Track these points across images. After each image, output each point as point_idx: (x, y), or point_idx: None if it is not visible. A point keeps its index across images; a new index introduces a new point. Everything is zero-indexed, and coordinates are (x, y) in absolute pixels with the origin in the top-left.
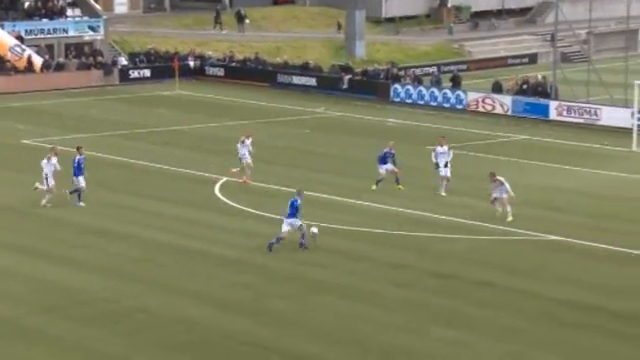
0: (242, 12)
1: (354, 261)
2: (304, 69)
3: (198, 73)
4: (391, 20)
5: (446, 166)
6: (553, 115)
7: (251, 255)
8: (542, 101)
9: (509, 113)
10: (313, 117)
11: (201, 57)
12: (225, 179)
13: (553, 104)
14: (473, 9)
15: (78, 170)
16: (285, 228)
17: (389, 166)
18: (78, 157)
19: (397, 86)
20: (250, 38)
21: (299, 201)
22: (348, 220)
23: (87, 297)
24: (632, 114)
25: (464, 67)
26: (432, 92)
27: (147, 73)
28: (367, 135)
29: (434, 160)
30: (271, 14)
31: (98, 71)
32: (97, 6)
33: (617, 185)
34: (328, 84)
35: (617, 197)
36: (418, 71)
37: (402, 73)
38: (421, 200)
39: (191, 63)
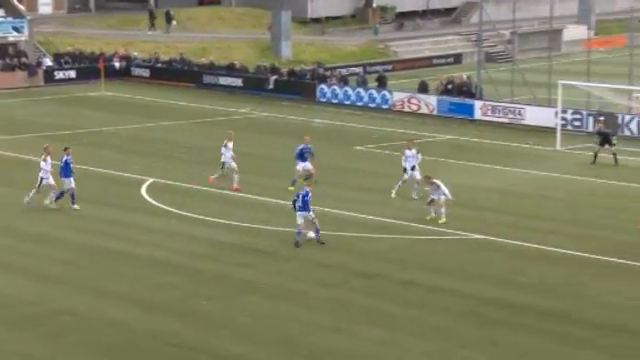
0: (171, 13)
1: (281, 261)
2: (230, 70)
3: (124, 74)
4: (317, 20)
5: (413, 169)
6: (478, 115)
7: (177, 256)
8: (467, 101)
9: (435, 113)
10: (239, 117)
11: (127, 58)
12: (152, 180)
13: (478, 104)
14: (398, 9)
15: (66, 171)
16: (300, 220)
17: (307, 164)
18: (65, 157)
19: (323, 86)
20: (176, 39)
21: (310, 194)
22: (274, 220)
23: (10, 300)
24: (556, 114)
25: (390, 67)
26: (358, 92)
27: (72, 74)
28: (293, 135)
29: (403, 164)
30: (197, 15)
31: (22, 72)
32: (21, 6)
33: (543, 184)
34: (254, 84)
35: (543, 196)
36: (344, 71)
37: (328, 73)
38: (346, 200)
39: (117, 64)
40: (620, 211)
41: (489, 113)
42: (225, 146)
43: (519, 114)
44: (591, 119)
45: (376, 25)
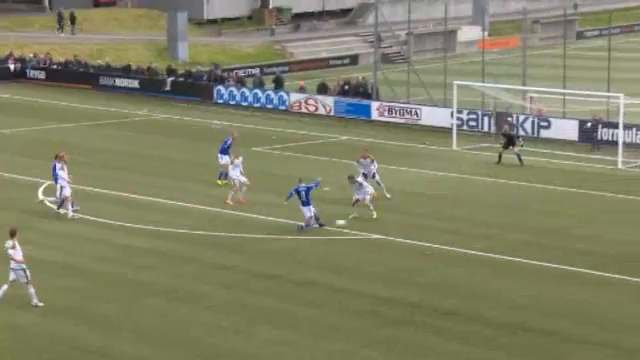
0: (74, 14)
1: (180, 263)
2: (126, 71)
3: (19, 76)
4: (213, 22)
5: (374, 177)
6: (375, 115)
7: (76, 259)
8: (364, 102)
9: (332, 114)
10: (137, 119)
11: (21, 60)
12: (48, 182)
13: (374, 104)
14: (294, 11)
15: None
16: (308, 214)
17: (228, 158)
18: (59, 164)
19: (220, 88)
20: (71, 40)
21: (314, 187)
22: (172, 222)
23: None
24: (451, 114)
25: (286, 68)
26: (255, 93)
27: None
28: (191, 137)
29: (359, 170)
30: (92, 16)
31: None
32: None
33: (439, 184)
34: (151, 86)
35: (440, 196)
36: (241, 72)
37: (225, 75)
38: (246, 202)
39: (11, 66)
40: (516, 210)
41: (386, 113)
42: (232, 164)
43: (415, 114)
44: (487, 119)
45: (272, 26)
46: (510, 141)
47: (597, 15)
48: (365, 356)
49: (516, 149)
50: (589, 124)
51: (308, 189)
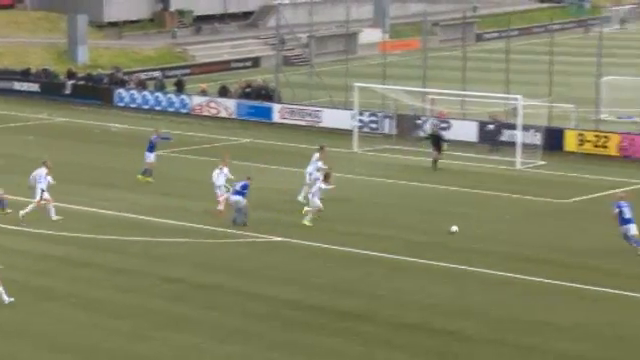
0: None
1: (77, 268)
2: (25, 75)
3: None
4: (114, 24)
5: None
6: (277, 118)
7: None
8: (265, 104)
9: (234, 116)
10: (37, 123)
11: None
12: None
13: (276, 107)
14: (196, 13)
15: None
16: (232, 202)
17: (154, 156)
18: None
19: (121, 91)
20: None
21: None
22: (69, 226)
23: None
24: (352, 116)
25: (188, 71)
26: (157, 97)
27: None
28: (92, 141)
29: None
30: None
31: None
32: None
33: (341, 186)
34: (51, 90)
35: (341, 198)
36: (143, 75)
37: (126, 78)
38: (144, 205)
39: None
40: (416, 211)
41: (287, 116)
42: (220, 169)
43: (317, 117)
44: (388, 121)
45: (174, 29)
46: (437, 142)
47: (496, 17)
48: (267, 358)
49: (440, 154)
50: (491, 126)
51: (245, 185)
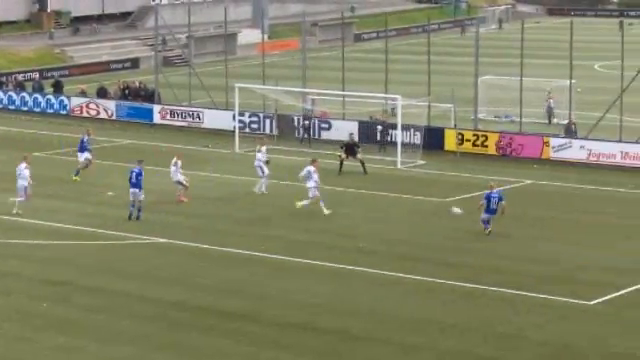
0: None
1: None
2: None
3: None
4: None
5: (267, 163)
6: (157, 119)
7: None
8: (146, 105)
9: (114, 118)
10: None
11: None
12: None
13: (157, 108)
14: (73, 14)
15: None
16: (131, 196)
17: (87, 154)
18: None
19: None
20: None
21: (142, 173)
22: None
23: None
24: (233, 116)
25: (66, 72)
26: (35, 98)
27: None
28: None
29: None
30: None
31: None
32: None
33: (223, 187)
34: None
35: (224, 198)
36: (20, 77)
37: (4, 79)
38: (28, 208)
39: None
40: (296, 211)
41: (168, 117)
42: (175, 164)
43: (198, 117)
44: (268, 121)
45: (52, 30)
46: (351, 150)
47: (375, 18)
48: None
49: (359, 156)
50: (380, 126)
51: (138, 174)
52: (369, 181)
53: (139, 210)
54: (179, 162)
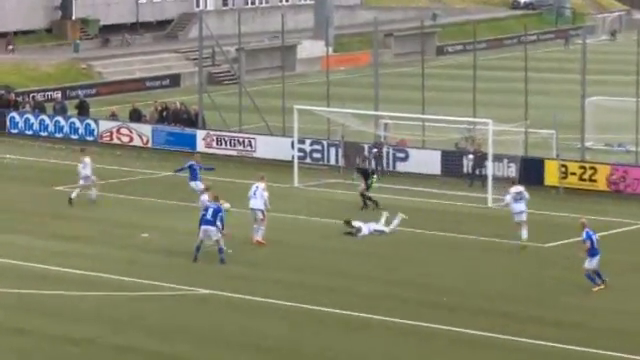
0: None
1: None
2: None
3: None
4: (3, 35)
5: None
6: (201, 146)
7: None
8: (187, 131)
9: (150, 145)
10: None
11: None
12: None
13: (200, 134)
14: (102, 22)
15: None
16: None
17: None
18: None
19: (14, 115)
20: None
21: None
22: None
23: None
24: (292, 144)
25: (93, 91)
26: (57, 121)
27: None
28: None
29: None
30: None
31: None
32: None
33: (278, 228)
34: None
35: (279, 241)
36: (39, 96)
37: (20, 99)
38: (43, 251)
39: None
40: (361, 256)
41: (214, 145)
42: (82, 162)
43: (249, 145)
44: (333, 150)
45: (77, 41)
46: (366, 176)
47: (461, 27)
48: None
49: (361, 187)
50: (471, 156)
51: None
52: (454, 222)
53: (220, 251)
54: (86, 159)
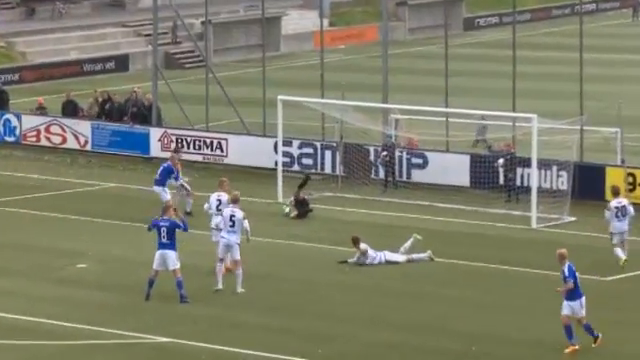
0: None
1: None
2: None
3: None
4: None
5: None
6: (156, 150)
7: None
8: (138, 129)
9: (88, 148)
10: None
11: None
12: None
13: (155, 133)
14: None
15: None
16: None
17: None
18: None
19: None
20: None
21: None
22: None
23: None
24: (275, 146)
25: (14, 77)
26: None
27: None
28: None
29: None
30: None
31: None
32: None
33: (262, 256)
34: None
35: (260, 275)
36: None
37: None
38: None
39: None
40: (362, 293)
41: (173, 146)
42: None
43: (219, 148)
44: (329, 155)
45: None
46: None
47: None
48: None
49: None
50: (501, 160)
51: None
52: (487, 247)
53: (180, 286)
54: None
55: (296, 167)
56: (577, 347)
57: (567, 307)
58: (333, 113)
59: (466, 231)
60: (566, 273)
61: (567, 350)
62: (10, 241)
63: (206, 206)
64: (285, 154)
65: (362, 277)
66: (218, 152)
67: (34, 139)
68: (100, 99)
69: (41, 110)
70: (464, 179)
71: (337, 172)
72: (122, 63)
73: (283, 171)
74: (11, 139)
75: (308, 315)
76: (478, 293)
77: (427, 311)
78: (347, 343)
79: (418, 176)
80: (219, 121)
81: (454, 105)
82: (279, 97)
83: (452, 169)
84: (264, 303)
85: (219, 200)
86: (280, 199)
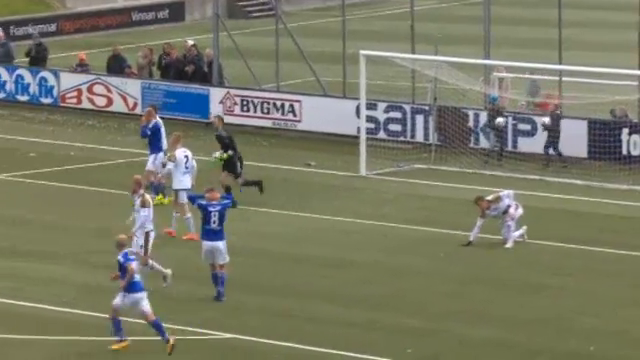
0: None
1: None
2: None
3: None
4: None
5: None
6: (217, 110)
7: None
8: (196, 88)
9: (138, 111)
10: None
11: None
12: None
13: (216, 93)
14: None
15: None
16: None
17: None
18: None
19: None
20: None
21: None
22: None
23: None
24: (357, 110)
25: (52, 28)
26: None
27: None
28: None
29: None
30: None
31: None
32: None
33: (336, 239)
34: None
35: (335, 262)
36: None
37: None
38: None
39: None
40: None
41: (237, 110)
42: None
43: (292, 112)
44: (420, 119)
45: None
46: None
47: None
48: None
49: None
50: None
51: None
52: (607, 230)
53: (221, 283)
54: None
55: (382, 134)
56: None
57: None
58: (425, 71)
59: (582, 210)
60: None
61: None
62: (52, 221)
63: (171, 166)
64: (369, 119)
65: (460, 265)
66: (290, 116)
67: (74, 101)
68: (152, 55)
69: (82, 67)
70: (581, 149)
71: (431, 140)
72: (177, 11)
73: (367, 139)
74: (48, 101)
75: (396, 309)
76: (593, 282)
77: (534, 304)
78: (441, 341)
79: (525, 145)
80: (291, 80)
81: (568, 61)
82: (361, 52)
83: (566, 138)
84: (346, 294)
85: (186, 156)
86: (363, 172)
